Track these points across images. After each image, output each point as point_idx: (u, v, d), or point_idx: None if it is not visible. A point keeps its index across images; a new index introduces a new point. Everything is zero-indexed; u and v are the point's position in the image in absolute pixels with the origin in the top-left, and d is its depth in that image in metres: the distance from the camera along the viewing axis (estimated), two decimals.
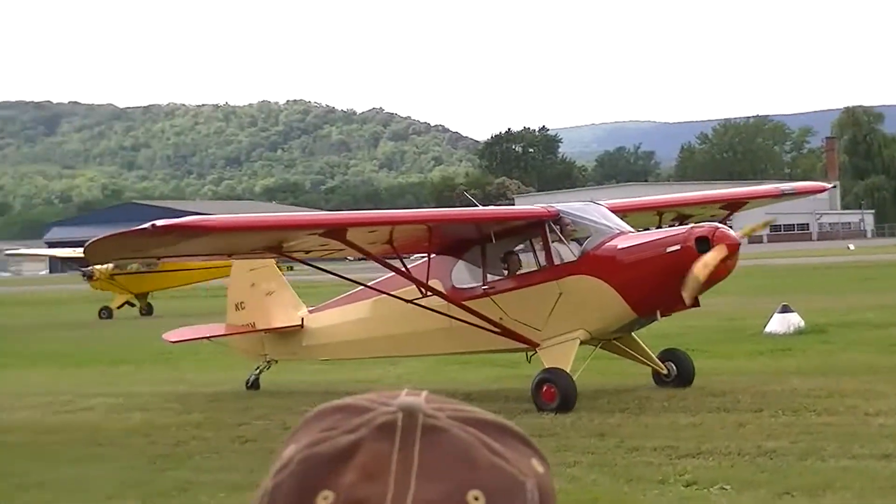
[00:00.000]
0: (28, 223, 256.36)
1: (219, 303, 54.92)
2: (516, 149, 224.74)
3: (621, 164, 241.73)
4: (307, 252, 20.22)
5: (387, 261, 20.07)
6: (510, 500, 1.25)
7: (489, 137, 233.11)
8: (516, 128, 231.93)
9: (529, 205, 21.12)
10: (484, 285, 19.89)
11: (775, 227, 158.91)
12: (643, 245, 18.72)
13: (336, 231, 18.41)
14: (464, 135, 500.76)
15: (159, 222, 16.82)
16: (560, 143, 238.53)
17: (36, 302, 64.07)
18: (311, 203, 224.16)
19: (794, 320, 27.86)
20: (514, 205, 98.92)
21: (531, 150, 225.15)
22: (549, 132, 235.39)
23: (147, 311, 55.02)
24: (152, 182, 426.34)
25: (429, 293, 19.66)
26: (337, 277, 21.71)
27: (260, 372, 23.34)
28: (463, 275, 20.47)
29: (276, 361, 23.59)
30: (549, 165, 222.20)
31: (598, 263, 18.74)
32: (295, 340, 23.20)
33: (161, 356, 30.06)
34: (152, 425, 18.87)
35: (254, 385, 23.11)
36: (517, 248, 20.31)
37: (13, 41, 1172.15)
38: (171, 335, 24.93)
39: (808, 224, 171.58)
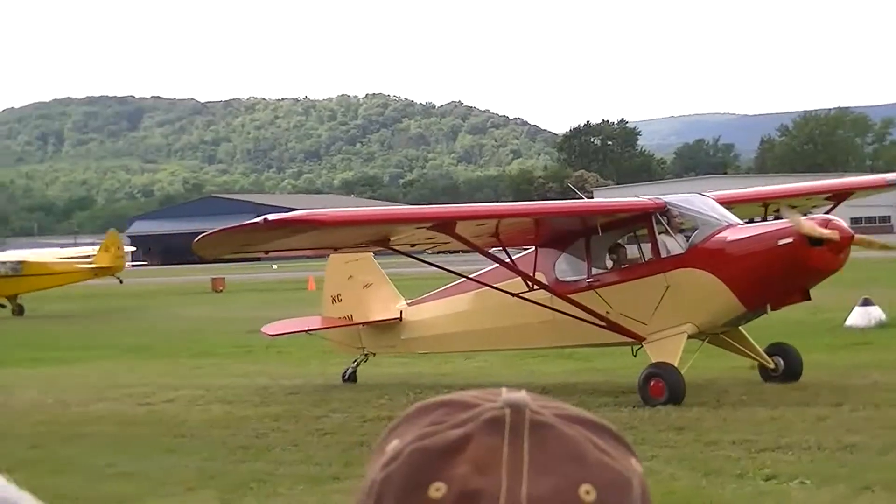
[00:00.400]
0: (111, 217, 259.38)
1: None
2: (595, 142, 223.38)
3: (700, 157, 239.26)
4: (412, 245, 20.19)
5: (493, 254, 20.10)
6: (620, 495, 1.27)
7: (568, 130, 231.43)
8: (595, 120, 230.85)
9: (635, 196, 20.91)
10: (589, 278, 19.76)
11: (856, 220, 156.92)
12: (754, 238, 18.55)
13: (445, 224, 18.27)
14: (542, 128, 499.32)
15: (271, 217, 16.84)
16: (639, 136, 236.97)
17: (117, 294, 64.85)
18: (390, 197, 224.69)
19: (875, 314, 27.57)
20: (592, 198, 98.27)
21: (610, 142, 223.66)
22: (627, 125, 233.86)
23: (19, 311, 56.22)
24: (233, 176, 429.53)
25: (535, 286, 19.58)
26: (422, 270, 21.70)
27: (357, 365, 23.30)
28: (566, 268, 20.37)
29: (374, 354, 23.57)
30: (628, 158, 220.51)
31: (707, 256, 18.56)
32: (393, 333, 23.16)
33: (241, 349, 30.37)
34: (233, 417, 19.06)
35: (351, 378, 23.06)
36: (622, 240, 20.18)
37: (96, 37, 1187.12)
38: (270, 328, 25.00)
39: (889, 216, 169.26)
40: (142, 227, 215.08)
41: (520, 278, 19.75)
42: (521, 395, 1.32)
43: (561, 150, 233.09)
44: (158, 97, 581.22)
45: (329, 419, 18.42)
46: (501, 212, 20.05)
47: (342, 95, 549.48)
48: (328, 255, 24.31)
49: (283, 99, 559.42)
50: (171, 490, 13.72)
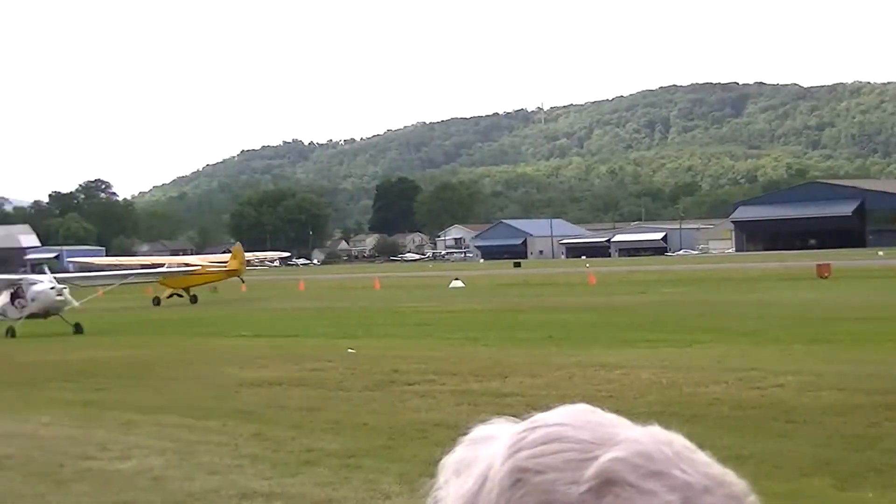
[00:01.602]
0: (714, 203, 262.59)
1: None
2: None
3: None
4: None
5: None
6: None
7: None
8: None
9: None
10: None
11: None
12: None
13: None
14: None
15: None
16: None
17: (723, 279, 65.68)
18: None
19: None
20: None
21: None
22: None
23: (193, 300, 70.97)
24: (836, 161, 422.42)
25: None
26: None
27: None
28: None
29: None
30: None
31: None
32: None
33: (850, 336, 30.00)
34: (845, 405, 18.71)
35: None
36: None
37: (702, 25, 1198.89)
38: None
39: None
40: (745, 213, 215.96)
41: None
42: None
43: None
44: (762, 83, 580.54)
45: None
46: None
47: None
48: None
49: (889, 82, 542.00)
50: (785, 475, 13.72)
